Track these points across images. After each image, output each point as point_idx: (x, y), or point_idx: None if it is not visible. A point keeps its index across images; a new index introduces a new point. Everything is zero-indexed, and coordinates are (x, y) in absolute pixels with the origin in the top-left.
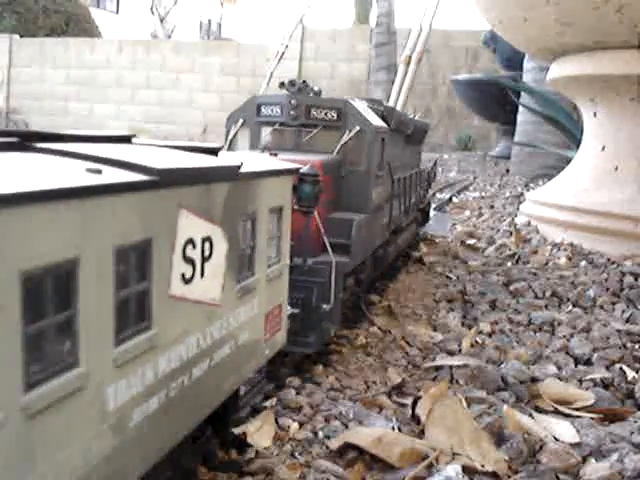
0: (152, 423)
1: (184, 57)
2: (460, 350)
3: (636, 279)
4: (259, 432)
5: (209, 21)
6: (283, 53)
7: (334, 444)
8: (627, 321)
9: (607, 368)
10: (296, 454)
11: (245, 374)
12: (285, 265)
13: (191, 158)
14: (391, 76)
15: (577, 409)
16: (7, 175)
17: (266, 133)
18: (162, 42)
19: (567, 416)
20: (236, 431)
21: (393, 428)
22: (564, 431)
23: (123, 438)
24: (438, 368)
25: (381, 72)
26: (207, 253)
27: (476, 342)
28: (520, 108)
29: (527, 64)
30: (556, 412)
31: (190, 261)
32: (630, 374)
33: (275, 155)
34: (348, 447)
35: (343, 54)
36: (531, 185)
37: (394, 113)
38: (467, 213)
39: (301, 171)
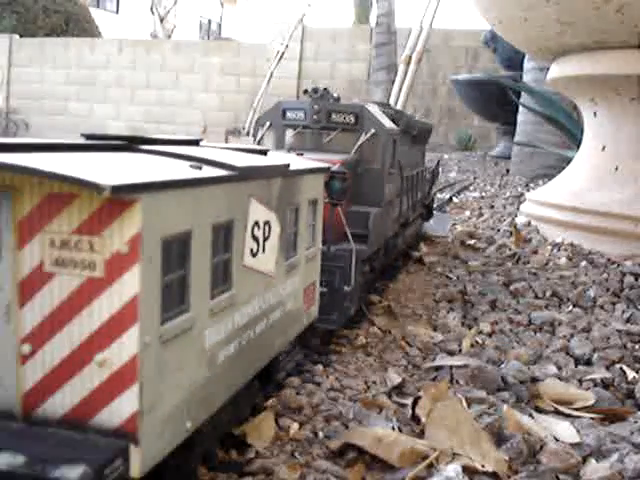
0: (230, 364)
1: (184, 57)
2: (460, 350)
3: (636, 279)
4: (259, 432)
5: (209, 21)
6: (283, 53)
7: (334, 444)
8: (627, 321)
9: (607, 368)
10: (296, 454)
11: (290, 336)
12: (318, 249)
13: (253, 158)
14: (391, 76)
15: (577, 409)
16: (140, 169)
17: (290, 135)
18: (162, 42)
19: (567, 416)
20: (236, 431)
21: (393, 428)
22: (564, 431)
23: (212, 372)
24: (438, 368)
25: (381, 72)
26: (267, 234)
27: (476, 342)
28: (520, 108)
29: (527, 64)
30: (556, 412)
31: (256, 239)
32: (630, 374)
33: (301, 155)
34: (348, 447)
35: (343, 54)
36: (531, 185)
37: (402, 115)
38: (467, 213)
39: (332, 169)
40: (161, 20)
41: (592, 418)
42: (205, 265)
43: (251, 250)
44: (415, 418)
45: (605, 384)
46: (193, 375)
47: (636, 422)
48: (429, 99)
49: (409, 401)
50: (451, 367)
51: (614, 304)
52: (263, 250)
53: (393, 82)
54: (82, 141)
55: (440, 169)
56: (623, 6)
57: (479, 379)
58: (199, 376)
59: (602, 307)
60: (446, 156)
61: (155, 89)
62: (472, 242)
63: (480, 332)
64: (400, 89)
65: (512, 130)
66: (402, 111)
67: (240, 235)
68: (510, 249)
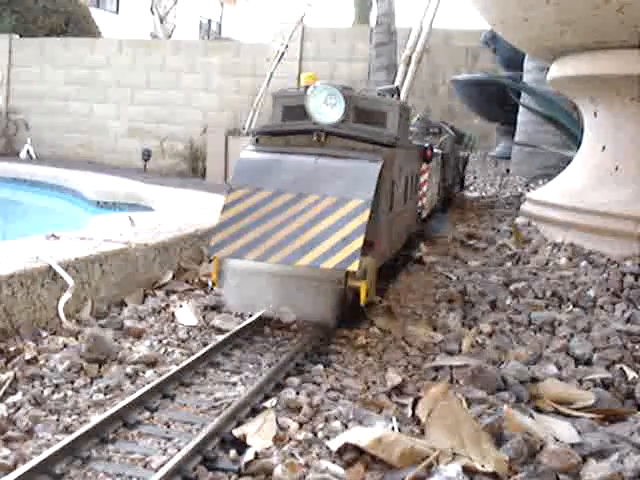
0: (427, 204)
1: (184, 57)
2: (460, 350)
3: (636, 279)
4: (259, 432)
5: (209, 21)
6: (283, 53)
7: (334, 444)
8: (627, 321)
9: (607, 368)
10: (296, 454)
11: (414, 229)
12: (422, 192)
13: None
14: (391, 76)
15: (577, 409)
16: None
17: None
18: (162, 42)
19: (567, 416)
20: (236, 433)
21: (393, 428)
22: (564, 431)
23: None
24: (438, 368)
25: (381, 72)
26: (431, 177)
27: (476, 342)
28: (520, 108)
29: (527, 64)
30: (556, 412)
31: (428, 179)
32: (630, 374)
33: None
34: (348, 447)
35: (343, 54)
36: (531, 185)
37: (452, 127)
38: (467, 214)
39: (439, 152)
40: (161, 20)
41: (592, 418)
42: (415, 186)
43: (429, 179)
44: (415, 418)
45: (605, 384)
46: (431, 197)
47: (636, 422)
48: (429, 99)
49: (409, 401)
50: (451, 367)
51: (614, 304)
52: (426, 184)
53: (393, 82)
54: None
55: (469, 159)
56: (623, 6)
57: (479, 379)
58: (430, 200)
59: (602, 307)
60: None
61: (155, 89)
62: (472, 242)
63: (480, 332)
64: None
65: (512, 130)
66: (452, 125)
67: (417, 178)
68: (510, 249)
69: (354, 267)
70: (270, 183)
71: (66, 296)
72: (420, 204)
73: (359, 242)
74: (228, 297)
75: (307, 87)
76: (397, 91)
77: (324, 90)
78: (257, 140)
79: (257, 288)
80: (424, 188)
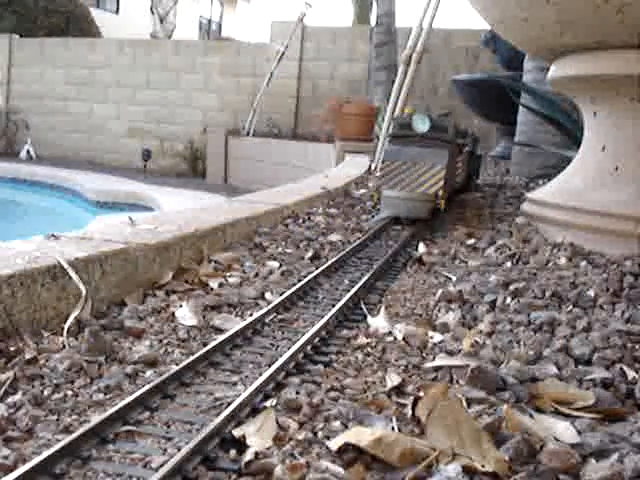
0: (460, 176)
1: (184, 57)
2: (460, 350)
3: (636, 279)
4: (259, 432)
5: (209, 21)
6: (283, 53)
7: (334, 444)
8: (627, 321)
9: (607, 368)
10: (296, 454)
11: (461, 185)
12: (457, 168)
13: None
14: (391, 76)
15: (577, 409)
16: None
17: None
18: (162, 42)
19: (567, 416)
20: (235, 433)
21: (393, 428)
22: (564, 431)
23: (456, 178)
24: (438, 368)
25: (381, 72)
26: (462, 161)
27: (476, 342)
28: (520, 108)
29: (527, 64)
30: (556, 412)
31: (461, 161)
32: (630, 374)
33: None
34: (348, 447)
35: (343, 54)
36: (531, 185)
37: (474, 133)
38: (467, 213)
39: (466, 149)
40: (161, 20)
41: (592, 418)
42: (455, 164)
43: (460, 165)
44: (415, 418)
45: (605, 384)
46: (458, 176)
47: (636, 422)
48: (429, 99)
49: (409, 401)
50: (451, 367)
51: (614, 304)
52: (459, 165)
53: (393, 82)
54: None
55: (482, 157)
56: (623, 6)
57: (479, 379)
58: (454, 180)
59: (602, 307)
60: None
61: (155, 89)
62: (472, 242)
63: (480, 332)
64: (400, 89)
65: (512, 130)
66: (473, 131)
67: (459, 161)
68: (510, 249)
69: (440, 192)
70: (400, 158)
71: (79, 308)
72: (457, 174)
73: (441, 183)
74: (383, 208)
75: (410, 114)
76: (448, 113)
77: (420, 116)
78: (390, 140)
79: (395, 204)
80: (458, 167)
